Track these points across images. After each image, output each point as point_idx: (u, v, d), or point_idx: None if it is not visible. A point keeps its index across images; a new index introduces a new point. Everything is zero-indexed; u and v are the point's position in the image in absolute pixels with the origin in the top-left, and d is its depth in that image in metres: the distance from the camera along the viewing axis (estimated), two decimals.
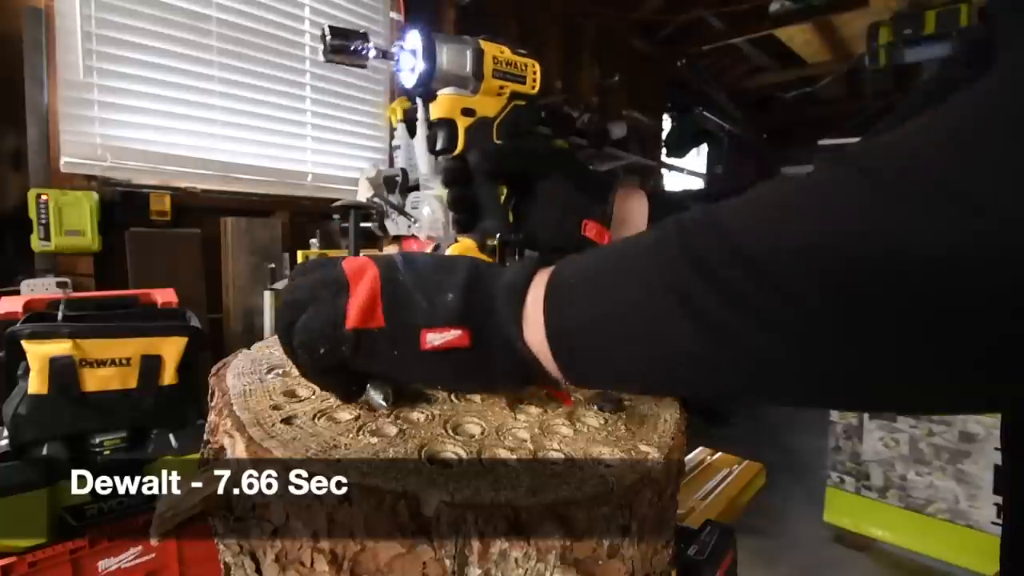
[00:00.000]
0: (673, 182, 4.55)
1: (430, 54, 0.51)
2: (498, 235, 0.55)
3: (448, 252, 0.54)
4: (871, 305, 0.20)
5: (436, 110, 0.54)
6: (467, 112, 0.54)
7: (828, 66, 3.84)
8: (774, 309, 0.22)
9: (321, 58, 0.51)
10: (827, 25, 3.30)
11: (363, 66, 0.51)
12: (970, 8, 2.13)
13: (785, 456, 2.90)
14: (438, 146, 0.57)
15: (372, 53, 0.51)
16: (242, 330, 1.95)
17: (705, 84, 4.11)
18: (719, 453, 0.94)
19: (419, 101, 0.57)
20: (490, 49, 0.54)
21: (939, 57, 2.26)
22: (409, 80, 0.52)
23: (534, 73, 0.57)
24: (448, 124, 0.54)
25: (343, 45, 0.50)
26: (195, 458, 1.11)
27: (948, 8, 2.16)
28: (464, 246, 0.54)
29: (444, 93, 0.54)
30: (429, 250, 0.58)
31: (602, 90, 3.27)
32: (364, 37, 0.51)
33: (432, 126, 0.56)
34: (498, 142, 0.57)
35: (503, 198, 0.57)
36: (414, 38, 0.52)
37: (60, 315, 1.15)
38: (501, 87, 0.55)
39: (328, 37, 0.50)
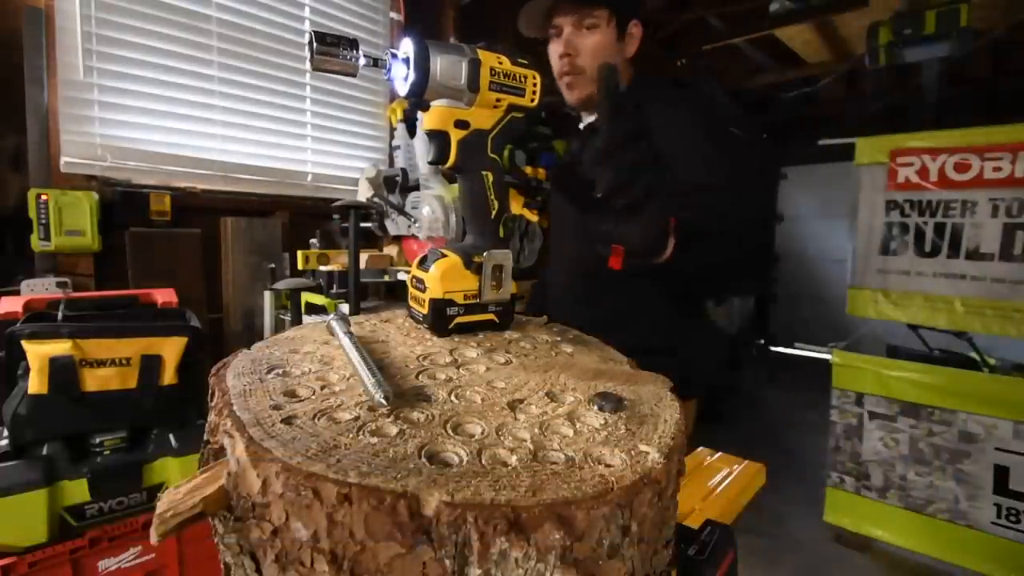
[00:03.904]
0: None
1: (423, 64, 0.49)
2: (485, 253, 0.54)
3: (433, 268, 0.53)
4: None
5: (428, 121, 0.53)
6: (460, 124, 0.53)
7: (828, 66, 3.84)
8: None
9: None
10: (827, 25, 3.30)
11: (353, 75, 0.49)
12: (970, 8, 2.13)
13: (785, 456, 2.90)
14: (429, 157, 0.56)
15: (362, 62, 0.49)
16: (242, 330, 1.95)
17: (705, 84, 4.10)
18: (719, 453, 0.93)
19: None
20: (488, 60, 0.52)
21: (939, 57, 2.25)
22: (402, 89, 0.50)
23: (534, 85, 0.55)
24: (440, 136, 0.53)
25: (330, 54, 0.47)
26: (195, 458, 1.11)
27: (948, 8, 2.15)
28: (450, 262, 0.53)
29: (437, 105, 0.52)
30: (416, 263, 0.57)
31: None
32: (353, 45, 0.48)
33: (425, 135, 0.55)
34: (493, 156, 0.55)
35: (495, 213, 0.56)
36: (407, 46, 0.50)
37: (60, 315, 1.15)
38: (498, 100, 0.54)
39: (314, 46, 0.47)
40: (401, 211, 1.75)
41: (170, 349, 1.14)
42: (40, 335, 1.02)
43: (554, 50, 0.98)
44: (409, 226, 1.73)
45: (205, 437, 0.37)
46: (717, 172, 0.84)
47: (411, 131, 2.05)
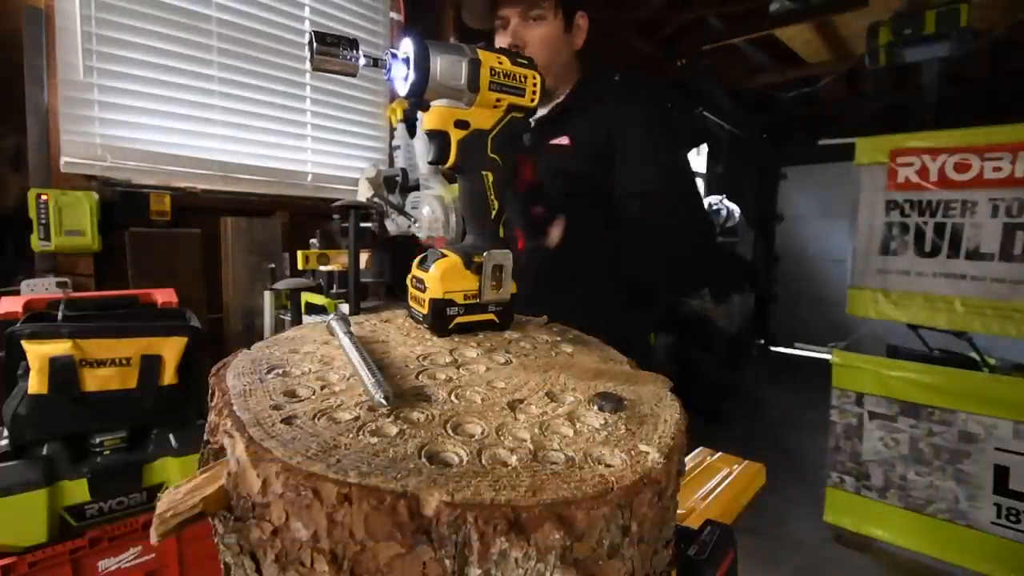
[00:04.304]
0: None
1: (423, 64, 0.49)
2: (485, 253, 0.54)
3: (433, 268, 0.53)
4: None
5: (428, 121, 0.52)
6: (460, 124, 0.53)
7: (828, 66, 3.84)
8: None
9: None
10: (827, 25, 3.30)
11: (353, 75, 0.49)
12: (970, 8, 2.13)
13: (785, 456, 2.90)
14: (429, 157, 0.56)
15: (362, 62, 0.49)
16: (242, 330, 1.94)
17: (705, 84, 4.10)
18: (719, 453, 0.94)
19: None
20: (488, 59, 0.52)
21: (939, 57, 2.25)
22: (402, 89, 0.50)
23: (534, 85, 0.55)
24: (440, 136, 0.53)
25: (330, 54, 0.47)
26: (195, 458, 1.11)
27: (948, 8, 2.15)
28: (450, 262, 0.53)
29: (437, 105, 0.52)
30: (416, 263, 0.57)
31: None
32: (353, 45, 0.48)
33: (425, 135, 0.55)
34: (493, 156, 0.56)
35: (495, 213, 0.57)
36: (407, 46, 0.50)
37: (60, 315, 1.15)
38: (498, 100, 0.54)
39: (314, 46, 0.47)
40: (401, 211, 1.75)
41: (170, 349, 1.14)
42: (40, 335, 1.02)
43: (500, 42, 0.96)
44: (409, 226, 1.73)
45: (205, 437, 0.37)
46: (658, 173, 0.91)
47: (411, 131, 2.05)
